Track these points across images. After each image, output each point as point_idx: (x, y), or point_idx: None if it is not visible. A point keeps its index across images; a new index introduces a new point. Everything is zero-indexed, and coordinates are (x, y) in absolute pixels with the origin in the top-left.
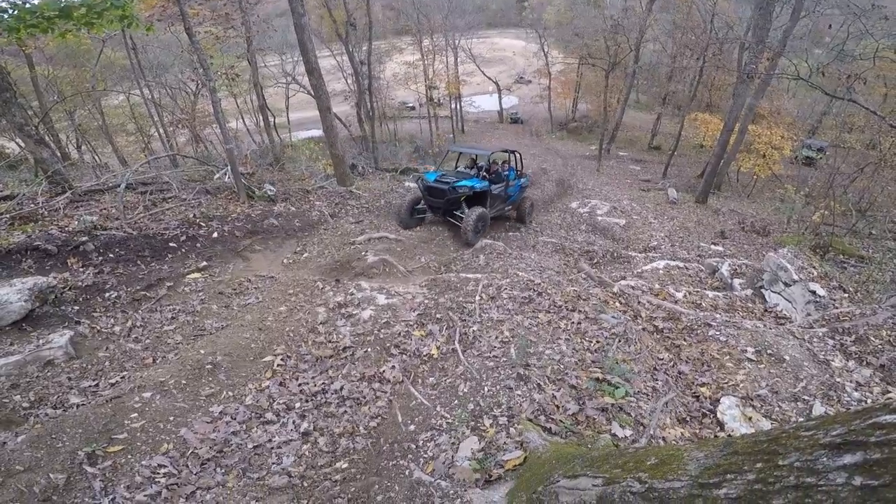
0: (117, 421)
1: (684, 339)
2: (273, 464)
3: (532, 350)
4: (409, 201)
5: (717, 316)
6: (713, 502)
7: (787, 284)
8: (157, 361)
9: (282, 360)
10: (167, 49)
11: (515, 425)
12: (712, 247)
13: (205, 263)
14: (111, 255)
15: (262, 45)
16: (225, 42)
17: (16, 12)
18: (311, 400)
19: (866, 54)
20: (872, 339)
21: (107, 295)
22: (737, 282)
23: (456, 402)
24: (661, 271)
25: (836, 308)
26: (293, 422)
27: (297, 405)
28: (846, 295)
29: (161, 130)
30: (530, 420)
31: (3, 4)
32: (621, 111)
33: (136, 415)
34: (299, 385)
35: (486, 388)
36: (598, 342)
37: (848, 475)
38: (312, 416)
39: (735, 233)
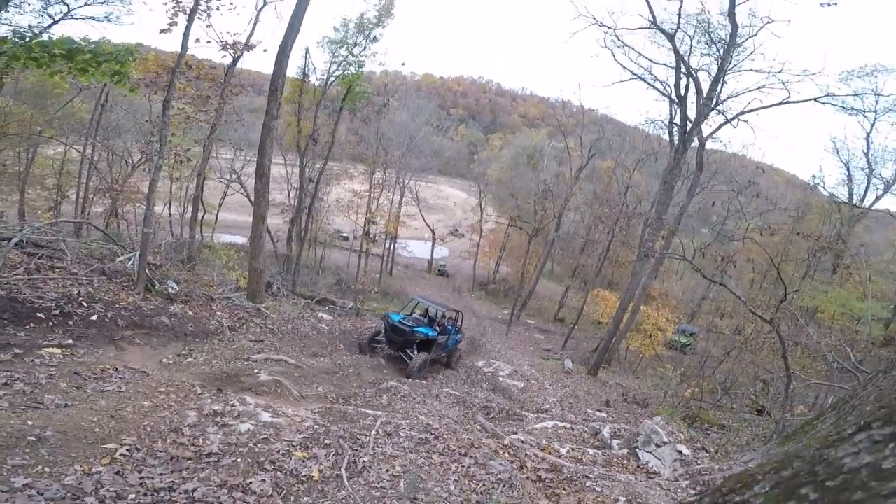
0: None
1: (564, 489)
2: None
3: (422, 486)
4: (372, 333)
5: (595, 469)
6: None
7: (658, 445)
8: None
9: (128, 450)
10: (131, 114)
11: None
12: (597, 413)
13: (70, 341)
14: None
15: (223, 136)
16: (191, 123)
17: (29, 41)
18: (152, 495)
19: (740, 235)
20: None
21: None
22: (615, 442)
23: None
24: (549, 430)
25: (699, 465)
26: None
27: (132, 496)
28: (707, 454)
29: (81, 194)
30: None
31: (23, 31)
32: (536, 279)
33: None
34: (141, 478)
35: None
36: (484, 485)
37: None
38: None
39: (618, 403)
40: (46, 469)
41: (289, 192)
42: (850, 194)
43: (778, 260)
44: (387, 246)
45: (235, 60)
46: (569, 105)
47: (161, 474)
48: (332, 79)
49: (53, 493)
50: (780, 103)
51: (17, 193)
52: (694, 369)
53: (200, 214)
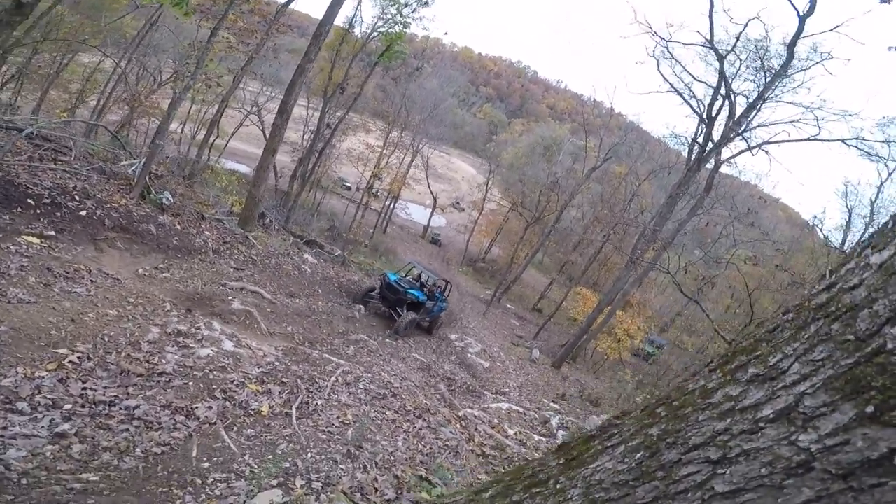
0: None
1: (504, 467)
2: None
3: (370, 437)
4: (367, 288)
5: (537, 455)
6: None
7: None
8: None
9: (78, 358)
10: (175, 36)
11: (329, 493)
12: (551, 404)
13: (52, 233)
14: None
15: (256, 69)
16: (230, 53)
17: None
18: (90, 407)
19: (730, 263)
20: None
21: None
22: (561, 433)
23: (271, 457)
24: (503, 411)
25: None
26: (51, 420)
27: (67, 406)
28: None
29: (101, 102)
30: (345, 493)
31: None
32: (525, 266)
33: None
34: (83, 388)
35: (309, 454)
36: (431, 448)
37: None
38: (80, 422)
39: (574, 398)
40: None
41: (303, 134)
42: (844, 240)
43: (754, 289)
44: (387, 203)
45: (289, 1)
46: (599, 105)
47: (106, 387)
48: (375, 33)
49: None
50: (808, 139)
51: (39, 92)
52: (651, 378)
53: (213, 138)
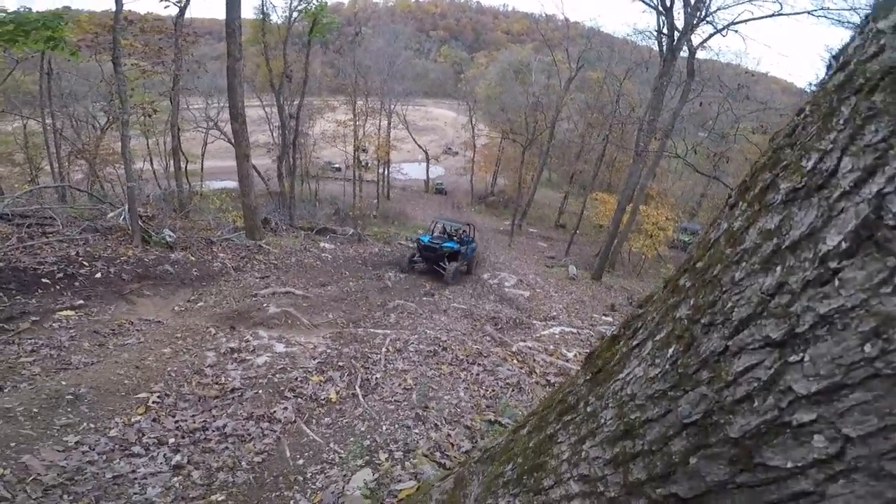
0: None
1: None
2: (135, 493)
3: (432, 395)
4: (409, 255)
5: None
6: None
7: None
8: (6, 390)
9: (158, 397)
10: (84, 78)
11: (411, 459)
12: (603, 317)
13: (81, 302)
14: None
15: (189, 86)
16: (150, 78)
17: None
18: (188, 436)
19: (739, 138)
20: None
21: None
22: None
23: (352, 439)
24: (556, 336)
25: None
26: (164, 455)
27: (171, 440)
28: None
29: (55, 164)
30: (426, 455)
31: None
32: (534, 188)
33: None
34: (176, 422)
35: (384, 427)
36: (493, 391)
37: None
38: (188, 451)
39: (624, 306)
40: (91, 425)
41: (272, 132)
42: None
43: None
44: (380, 171)
45: (182, 10)
46: (553, 19)
47: (193, 415)
48: (294, 14)
49: (103, 447)
50: (772, 15)
51: None
52: None
53: (183, 165)
